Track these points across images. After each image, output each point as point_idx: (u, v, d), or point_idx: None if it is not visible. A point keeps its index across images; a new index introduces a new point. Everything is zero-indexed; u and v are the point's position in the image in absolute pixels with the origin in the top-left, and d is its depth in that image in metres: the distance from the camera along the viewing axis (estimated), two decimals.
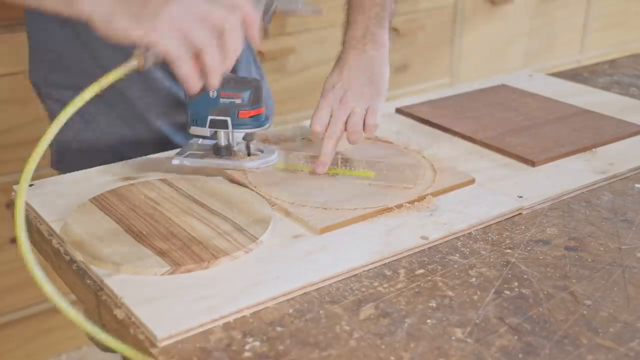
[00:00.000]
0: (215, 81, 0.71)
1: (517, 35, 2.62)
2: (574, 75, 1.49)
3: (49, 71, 1.15)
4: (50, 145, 1.19)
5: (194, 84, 0.70)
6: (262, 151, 1.01)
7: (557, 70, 1.55)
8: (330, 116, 0.99)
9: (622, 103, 1.30)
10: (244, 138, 0.98)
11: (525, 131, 1.13)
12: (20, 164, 1.88)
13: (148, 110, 1.14)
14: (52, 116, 1.19)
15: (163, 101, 1.14)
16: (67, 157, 1.18)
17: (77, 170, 1.00)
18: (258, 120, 0.96)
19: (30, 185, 0.94)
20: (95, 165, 1.01)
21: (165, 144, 1.14)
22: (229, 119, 0.95)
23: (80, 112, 1.04)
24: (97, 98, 0.74)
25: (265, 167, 0.98)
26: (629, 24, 2.99)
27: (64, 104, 0.73)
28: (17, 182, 0.97)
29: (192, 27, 0.68)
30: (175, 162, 0.98)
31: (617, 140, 1.12)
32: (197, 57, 0.69)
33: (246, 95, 0.93)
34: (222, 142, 0.98)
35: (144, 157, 1.04)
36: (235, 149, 0.99)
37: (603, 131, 1.14)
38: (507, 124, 1.16)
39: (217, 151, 0.99)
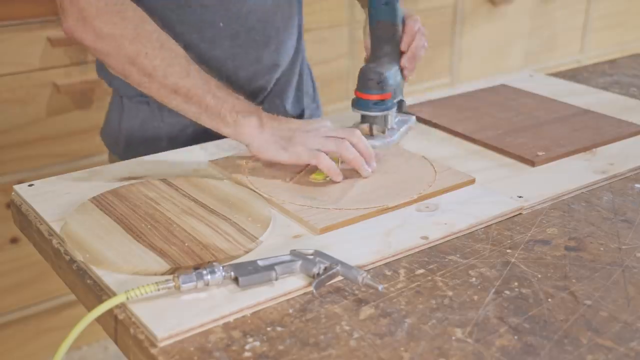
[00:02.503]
0: (365, 170, 0.95)
1: (517, 35, 2.62)
2: (574, 75, 1.49)
3: None
4: (113, 133, 1.22)
5: (335, 175, 0.94)
6: (383, 132, 1.08)
7: (557, 70, 1.55)
8: None
9: (622, 103, 1.30)
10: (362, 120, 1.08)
11: (525, 131, 1.13)
12: (20, 164, 1.89)
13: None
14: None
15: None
16: (133, 145, 1.19)
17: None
18: (382, 105, 1.04)
19: (30, 185, 0.94)
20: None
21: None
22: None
23: (147, 101, 1.13)
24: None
25: (384, 144, 1.05)
26: (629, 24, 2.99)
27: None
28: (17, 182, 0.98)
29: (322, 143, 0.94)
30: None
31: (617, 140, 1.12)
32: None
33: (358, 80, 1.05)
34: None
35: (144, 157, 1.04)
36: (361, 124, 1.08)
37: (603, 131, 1.14)
38: (507, 124, 1.16)
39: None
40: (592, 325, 0.69)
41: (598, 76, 1.48)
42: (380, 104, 1.04)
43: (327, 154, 0.93)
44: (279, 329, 0.67)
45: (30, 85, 1.71)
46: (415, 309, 0.70)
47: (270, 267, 0.72)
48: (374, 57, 1.07)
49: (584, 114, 1.22)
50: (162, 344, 0.65)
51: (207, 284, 0.70)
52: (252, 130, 0.94)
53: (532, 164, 1.02)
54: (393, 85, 1.05)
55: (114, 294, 0.71)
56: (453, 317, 0.69)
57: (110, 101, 1.25)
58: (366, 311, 0.70)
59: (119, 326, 0.69)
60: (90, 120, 1.83)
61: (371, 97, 1.04)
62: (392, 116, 1.08)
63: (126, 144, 1.19)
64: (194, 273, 0.70)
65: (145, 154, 1.06)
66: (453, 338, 0.66)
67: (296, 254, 0.75)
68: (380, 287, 0.72)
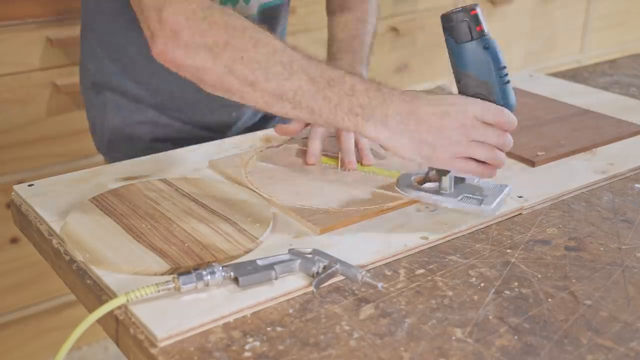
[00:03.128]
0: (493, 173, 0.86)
1: (517, 35, 2.62)
2: (574, 75, 1.49)
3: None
4: (99, 132, 1.22)
5: (487, 173, 0.85)
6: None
7: (557, 70, 1.55)
8: None
9: (622, 103, 1.30)
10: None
11: (525, 131, 1.13)
12: (20, 164, 1.88)
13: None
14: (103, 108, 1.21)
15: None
16: (116, 144, 1.20)
17: (126, 157, 1.03)
18: None
19: (30, 185, 0.94)
20: (145, 153, 1.05)
21: (207, 139, 1.12)
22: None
23: (130, 97, 1.12)
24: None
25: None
26: (629, 24, 2.99)
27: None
28: (17, 182, 0.98)
29: (465, 150, 0.82)
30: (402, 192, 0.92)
31: (617, 140, 1.12)
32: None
33: None
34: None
35: (144, 157, 1.04)
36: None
37: (603, 131, 1.14)
38: None
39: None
40: (592, 325, 0.69)
41: (598, 76, 1.48)
42: None
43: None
44: (279, 329, 0.67)
45: (30, 85, 1.71)
46: (415, 309, 0.70)
47: (270, 267, 0.73)
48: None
49: (584, 114, 1.22)
50: (162, 344, 0.65)
51: (207, 285, 0.70)
52: (378, 134, 0.82)
53: (532, 164, 1.02)
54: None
55: (114, 294, 0.71)
56: (453, 317, 0.69)
57: (89, 103, 1.25)
58: (366, 311, 0.70)
59: (119, 326, 0.69)
60: None
61: None
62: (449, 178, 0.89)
63: (109, 142, 1.20)
64: (193, 274, 0.70)
65: (129, 152, 1.06)
66: (453, 338, 0.66)
67: (295, 253, 0.75)
68: (379, 285, 0.72)
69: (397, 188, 0.92)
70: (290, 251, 0.76)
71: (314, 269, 0.73)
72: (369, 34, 1.16)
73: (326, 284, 0.74)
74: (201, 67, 0.83)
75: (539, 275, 0.77)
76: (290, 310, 0.70)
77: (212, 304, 0.69)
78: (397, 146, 0.82)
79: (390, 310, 0.70)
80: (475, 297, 0.72)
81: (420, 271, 0.77)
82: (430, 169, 0.91)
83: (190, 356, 0.63)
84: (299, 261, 0.74)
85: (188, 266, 0.74)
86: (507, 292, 0.74)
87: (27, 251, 1.74)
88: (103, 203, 0.87)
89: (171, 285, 0.69)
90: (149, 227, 0.82)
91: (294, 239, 0.82)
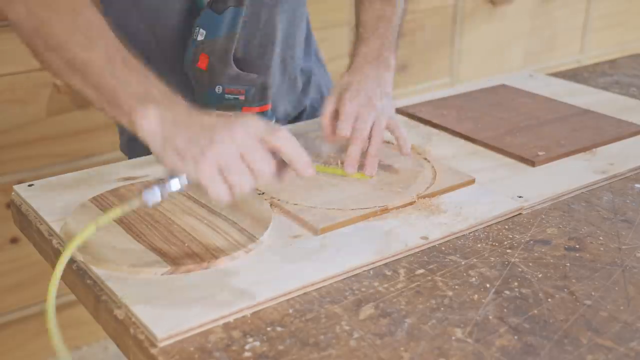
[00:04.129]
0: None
1: (517, 35, 2.62)
2: (574, 75, 1.49)
3: None
4: (120, 132, 1.22)
5: (224, 199, 0.72)
6: None
7: (557, 70, 1.55)
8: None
9: (622, 103, 1.30)
10: None
11: (525, 131, 1.13)
12: (20, 164, 1.88)
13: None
14: None
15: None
16: (133, 143, 1.18)
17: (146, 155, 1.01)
18: (263, 118, 0.96)
19: (30, 185, 0.94)
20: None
21: None
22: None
23: None
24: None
25: None
26: (629, 24, 2.99)
27: None
28: (17, 182, 0.98)
29: (230, 169, 0.71)
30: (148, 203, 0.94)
31: (617, 140, 1.12)
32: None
33: (250, 92, 0.93)
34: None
35: (144, 157, 1.04)
36: None
37: (603, 131, 1.14)
38: (507, 124, 1.16)
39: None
40: (592, 325, 0.69)
41: (598, 76, 1.48)
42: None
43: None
44: (279, 329, 0.67)
45: (30, 85, 1.71)
46: (415, 309, 0.70)
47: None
48: None
49: (584, 114, 1.22)
50: (162, 344, 0.65)
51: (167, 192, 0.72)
52: (150, 126, 0.73)
53: (532, 164, 1.02)
54: None
55: (114, 294, 0.71)
56: (453, 317, 0.69)
57: None
58: (366, 311, 0.70)
59: (119, 326, 0.69)
60: (90, 120, 1.82)
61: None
62: None
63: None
64: (154, 185, 0.71)
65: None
66: (453, 338, 0.66)
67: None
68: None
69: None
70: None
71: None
72: (396, 15, 1.12)
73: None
74: (14, 20, 0.81)
75: (539, 275, 0.77)
76: (290, 310, 0.70)
77: (212, 304, 0.69)
78: (161, 142, 0.73)
79: (390, 310, 0.70)
80: (475, 297, 0.72)
81: (420, 271, 0.77)
82: None
83: (190, 356, 0.63)
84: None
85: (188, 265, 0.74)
86: (507, 292, 0.74)
87: (27, 251, 1.74)
88: (103, 203, 0.87)
89: (136, 203, 0.71)
90: (149, 227, 0.82)
91: (294, 238, 0.82)
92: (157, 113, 0.73)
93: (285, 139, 0.72)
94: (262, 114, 0.95)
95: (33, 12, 0.79)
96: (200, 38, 0.95)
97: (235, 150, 0.71)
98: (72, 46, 0.77)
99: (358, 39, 1.09)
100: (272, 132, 0.72)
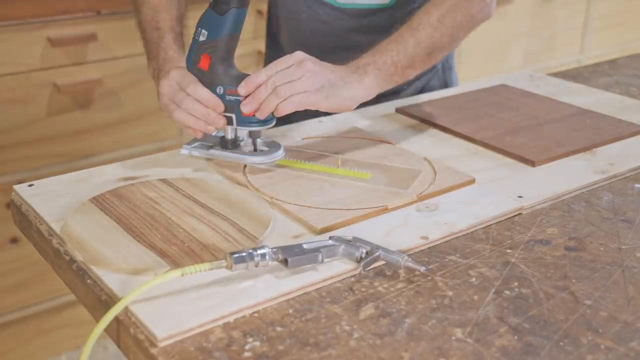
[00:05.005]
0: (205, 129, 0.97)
1: (517, 35, 2.62)
2: (574, 75, 1.49)
3: None
4: None
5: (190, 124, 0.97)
6: (268, 147, 1.02)
7: (557, 70, 1.55)
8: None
9: (622, 103, 1.30)
10: (250, 135, 1.00)
11: (525, 131, 1.13)
12: (20, 164, 1.88)
13: None
14: None
15: None
16: None
17: None
18: (265, 120, 0.97)
19: (30, 185, 0.94)
20: None
21: None
22: (233, 116, 0.96)
23: None
24: None
25: (269, 163, 0.99)
26: (629, 24, 2.99)
27: None
28: (17, 182, 0.98)
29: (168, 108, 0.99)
30: (184, 152, 1.01)
31: (617, 140, 1.12)
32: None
33: None
34: (229, 135, 1.00)
35: (144, 157, 1.04)
36: (242, 143, 1.01)
37: (603, 131, 1.14)
38: (507, 124, 1.16)
39: (224, 144, 1.01)
40: (592, 325, 0.69)
41: (598, 76, 1.48)
42: (269, 116, 0.97)
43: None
44: (279, 329, 0.67)
45: (30, 85, 1.71)
46: (415, 309, 0.70)
47: (316, 250, 0.74)
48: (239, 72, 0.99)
49: (584, 114, 1.22)
50: (162, 344, 0.65)
51: (256, 265, 0.72)
52: (159, 85, 1.00)
53: (532, 164, 1.02)
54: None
55: (114, 294, 0.71)
56: (453, 317, 0.69)
57: None
58: (366, 311, 0.70)
59: (119, 326, 0.69)
60: (90, 120, 1.83)
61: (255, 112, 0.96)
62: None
63: None
64: (245, 253, 0.71)
65: None
66: (453, 338, 0.66)
67: (337, 239, 0.77)
68: (422, 269, 0.74)
69: (232, 158, 1.00)
70: (332, 237, 0.78)
71: (358, 254, 0.76)
72: (416, 41, 1.04)
73: (371, 267, 0.76)
74: None
75: (539, 275, 0.77)
76: (290, 310, 0.70)
77: (212, 304, 0.69)
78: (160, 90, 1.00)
79: (390, 310, 0.70)
80: (475, 297, 0.72)
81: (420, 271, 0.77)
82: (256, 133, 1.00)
83: (190, 356, 0.63)
84: (342, 246, 0.76)
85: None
86: (507, 292, 0.74)
87: (27, 251, 1.74)
88: (103, 203, 0.87)
89: (224, 264, 0.70)
90: (149, 227, 0.82)
91: (294, 238, 0.82)
92: (156, 68, 1.04)
93: (195, 91, 0.96)
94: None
95: None
96: (202, 39, 0.96)
97: (176, 98, 0.97)
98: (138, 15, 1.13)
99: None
100: (187, 84, 0.97)
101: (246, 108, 0.94)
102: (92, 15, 1.75)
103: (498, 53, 2.58)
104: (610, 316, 0.70)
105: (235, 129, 0.99)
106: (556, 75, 1.49)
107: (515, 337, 0.67)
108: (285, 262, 0.73)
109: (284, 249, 0.74)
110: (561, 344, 0.66)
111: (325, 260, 0.75)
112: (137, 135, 1.91)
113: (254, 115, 0.95)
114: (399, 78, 1.03)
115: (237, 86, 0.94)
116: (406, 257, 0.75)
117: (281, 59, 0.95)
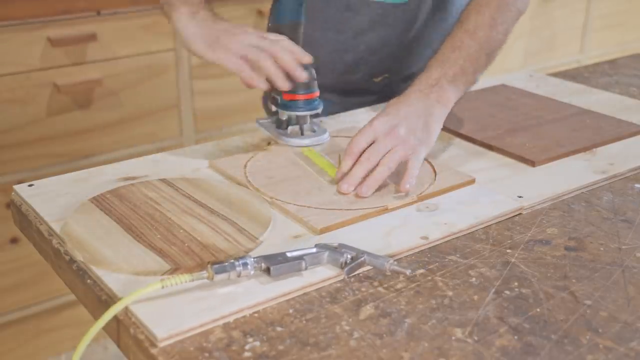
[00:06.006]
0: (281, 83, 0.97)
1: (517, 35, 2.62)
2: (574, 75, 1.49)
3: None
4: None
5: (255, 84, 0.96)
6: (314, 131, 1.07)
7: (557, 70, 1.55)
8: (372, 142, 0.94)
9: (622, 103, 1.30)
10: (297, 120, 1.06)
11: (525, 131, 1.13)
12: (20, 164, 1.88)
13: None
14: None
15: None
16: None
17: None
18: (310, 104, 1.04)
19: (30, 185, 0.94)
20: None
21: None
22: (278, 98, 1.05)
23: None
24: None
25: (315, 145, 1.05)
26: (629, 24, 2.99)
27: None
28: (17, 182, 0.98)
29: (250, 52, 0.96)
30: (257, 125, 1.12)
31: (617, 140, 1.12)
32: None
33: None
34: (282, 116, 1.08)
35: (144, 157, 1.04)
36: (291, 127, 1.07)
37: (603, 131, 1.14)
38: (507, 124, 1.16)
39: (279, 124, 1.08)
40: (592, 325, 0.69)
41: (598, 76, 1.48)
42: (309, 103, 1.04)
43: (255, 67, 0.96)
44: (279, 329, 0.67)
45: (30, 85, 1.71)
46: (415, 309, 0.70)
47: (300, 258, 0.74)
48: None
49: (584, 114, 1.22)
50: (162, 344, 0.65)
51: (239, 275, 0.71)
52: (182, 20, 0.99)
53: (532, 164, 1.02)
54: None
55: (114, 294, 0.71)
56: (453, 317, 0.69)
57: None
58: (366, 311, 0.70)
59: (119, 326, 0.69)
60: (90, 120, 1.83)
61: (300, 97, 1.04)
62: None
63: None
64: (227, 264, 0.71)
65: None
66: (453, 338, 0.66)
67: (322, 246, 0.77)
68: (408, 272, 0.74)
69: (285, 142, 1.06)
70: (317, 245, 0.77)
71: (342, 260, 0.75)
72: (480, 45, 1.05)
73: (355, 273, 0.76)
74: None
75: (539, 275, 0.77)
76: (290, 310, 0.70)
77: (212, 304, 0.69)
78: (190, 35, 0.99)
79: (390, 310, 0.70)
80: (475, 297, 0.72)
81: (420, 271, 0.77)
82: (304, 118, 1.06)
83: (190, 356, 0.63)
84: (327, 253, 0.76)
85: (189, 264, 0.74)
86: (507, 292, 0.74)
87: (27, 251, 1.74)
88: (103, 203, 0.87)
89: (205, 275, 0.70)
90: (149, 227, 0.82)
91: (294, 239, 0.82)
92: (189, 12, 1.00)
93: (284, 47, 0.97)
94: (309, 101, 1.04)
95: None
96: (269, 23, 1.05)
97: (254, 41, 0.97)
98: None
99: (426, 66, 1.05)
100: (275, 40, 0.98)
101: (344, 187, 0.91)
102: (92, 15, 1.75)
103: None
104: (610, 316, 0.70)
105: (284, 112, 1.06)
106: (556, 75, 1.49)
107: (515, 337, 0.67)
108: (267, 270, 0.73)
109: (266, 257, 0.73)
110: (561, 344, 0.66)
111: (310, 267, 0.75)
112: (137, 135, 1.92)
113: (301, 101, 1.03)
114: (469, 85, 1.06)
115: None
116: (391, 261, 0.74)
117: (366, 130, 0.93)
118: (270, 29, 1.07)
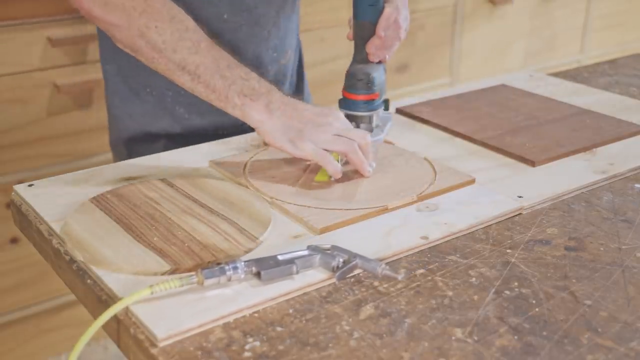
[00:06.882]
0: (368, 172, 0.95)
1: (517, 35, 2.62)
2: (574, 75, 1.49)
3: None
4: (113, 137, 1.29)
5: (337, 175, 0.93)
6: (372, 130, 1.06)
7: (557, 70, 1.55)
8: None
9: (622, 103, 1.30)
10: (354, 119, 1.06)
11: (525, 131, 1.13)
12: (20, 164, 1.88)
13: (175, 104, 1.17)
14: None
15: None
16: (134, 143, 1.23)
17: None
18: (370, 105, 1.04)
19: (30, 185, 0.94)
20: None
21: (201, 137, 1.15)
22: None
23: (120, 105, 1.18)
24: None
25: (373, 142, 1.02)
26: (629, 24, 2.99)
27: None
28: (17, 182, 0.98)
29: (332, 143, 0.91)
30: None
31: (617, 140, 1.12)
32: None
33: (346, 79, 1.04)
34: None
35: (144, 157, 1.04)
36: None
37: (603, 131, 1.14)
38: (507, 124, 1.16)
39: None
40: (592, 325, 0.69)
41: (598, 76, 1.48)
42: (368, 103, 1.04)
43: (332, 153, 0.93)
44: (279, 329, 0.67)
45: (30, 85, 1.71)
46: (415, 309, 0.70)
47: (291, 261, 0.74)
48: (359, 56, 1.06)
49: (584, 114, 1.22)
50: (162, 344, 0.65)
51: (229, 279, 0.71)
52: (259, 116, 0.92)
53: (532, 164, 1.02)
54: (379, 85, 1.06)
55: (114, 294, 0.71)
56: (453, 317, 0.69)
57: (110, 100, 1.24)
58: (366, 311, 0.70)
59: (120, 326, 0.69)
60: (90, 120, 1.83)
61: (359, 97, 1.04)
62: (378, 115, 1.07)
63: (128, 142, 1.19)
64: (217, 268, 0.71)
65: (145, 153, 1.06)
66: (453, 338, 0.66)
67: (314, 249, 0.76)
68: (399, 277, 0.74)
69: None
70: (309, 247, 0.77)
71: (334, 263, 0.75)
72: None
73: (347, 276, 0.75)
74: (116, 24, 0.93)
75: (539, 275, 0.77)
76: (290, 310, 0.70)
77: (212, 304, 0.69)
78: (270, 129, 0.92)
79: (390, 310, 0.70)
80: (475, 297, 0.72)
81: (420, 271, 0.77)
82: (362, 118, 1.05)
83: (190, 356, 0.63)
84: (318, 256, 0.76)
85: (189, 265, 0.74)
86: (507, 292, 0.74)
87: (27, 251, 1.74)
88: (103, 203, 0.87)
89: (194, 280, 0.70)
90: (149, 227, 0.82)
91: (294, 239, 0.82)
92: (266, 107, 0.92)
93: (367, 140, 0.94)
94: (369, 102, 1.05)
95: (134, 19, 0.92)
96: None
97: (329, 131, 0.92)
98: (181, 50, 0.92)
99: None
100: (359, 132, 0.94)
101: (382, 54, 1.04)
102: None
103: (498, 53, 2.58)
104: (610, 316, 0.70)
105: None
106: (556, 75, 1.49)
107: (515, 337, 0.67)
108: (258, 274, 0.72)
109: (257, 261, 0.73)
110: (561, 344, 0.66)
111: (301, 270, 0.74)
112: None
113: (360, 101, 1.03)
114: None
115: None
116: (383, 265, 0.74)
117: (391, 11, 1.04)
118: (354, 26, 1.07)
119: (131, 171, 0.99)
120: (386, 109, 1.10)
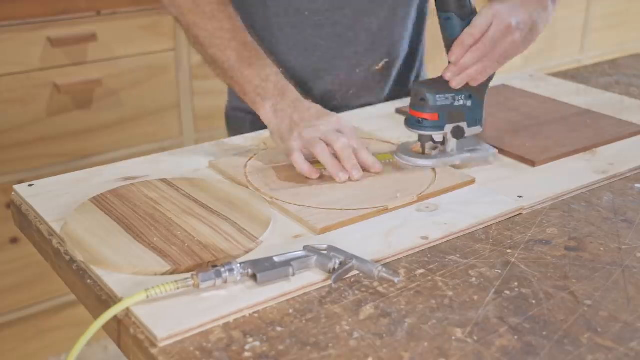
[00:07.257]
0: (337, 177, 0.94)
1: None
2: (574, 75, 1.49)
3: None
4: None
5: (309, 174, 0.95)
6: (435, 149, 1.02)
7: (557, 70, 1.55)
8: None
9: (622, 103, 1.30)
10: (419, 138, 1.02)
11: (525, 131, 1.13)
12: (20, 164, 1.89)
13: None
14: None
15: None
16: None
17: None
18: (430, 124, 0.99)
19: (30, 185, 0.94)
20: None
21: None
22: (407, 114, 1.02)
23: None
24: None
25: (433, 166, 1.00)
26: (629, 24, 2.99)
27: None
28: (17, 182, 0.98)
29: (309, 143, 0.94)
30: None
31: (617, 140, 1.12)
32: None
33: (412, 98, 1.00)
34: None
35: (144, 157, 1.04)
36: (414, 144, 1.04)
37: (603, 131, 1.14)
38: (507, 124, 1.16)
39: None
40: (592, 325, 0.69)
41: (598, 76, 1.48)
42: (423, 122, 0.99)
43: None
44: (279, 329, 0.67)
45: (30, 85, 1.71)
46: (415, 309, 0.70)
47: (287, 263, 0.73)
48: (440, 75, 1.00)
49: (584, 114, 1.22)
50: (162, 344, 0.65)
51: (225, 282, 0.71)
52: (267, 115, 1.00)
53: (532, 164, 1.02)
54: (440, 106, 0.98)
55: (114, 294, 0.71)
56: (453, 317, 0.69)
57: None
58: (366, 311, 0.70)
59: (120, 326, 0.69)
60: (90, 120, 1.83)
61: (415, 114, 1.00)
62: (449, 139, 1.00)
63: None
64: (212, 271, 0.70)
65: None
66: (453, 338, 0.66)
67: (311, 250, 0.76)
68: (396, 280, 0.73)
69: (399, 158, 1.01)
70: (306, 248, 0.76)
71: (331, 265, 0.75)
72: None
73: (343, 278, 0.75)
74: (176, 15, 1.08)
75: (539, 275, 0.77)
76: (290, 310, 0.70)
77: (212, 304, 0.69)
78: (272, 129, 1.00)
79: (390, 310, 0.70)
80: (475, 297, 0.72)
81: (420, 271, 0.77)
82: (421, 137, 1.01)
83: (190, 356, 0.63)
84: (315, 257, 0.75)
85: (189, 266, 0.74)
86: (507, 292, 0.74)
87: (27, 251, 1.74)
88: (103, 203, 0.87)
89: (190, 283, 0.70)
90: (148, 227, 0.82)
91: (294, 239, 0.82)
92: (273, 107, 1.00)
93: (344, 144, 0.94)
94: (429, 121, 1.00)
95: (183, 15, 1.07)
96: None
97: (315, 133, 0.95)
98: (212, 47, 1.04)
99: None
100: (343, 135, 0.96)
101: (455, 82, 0.96)
102: (92, 15, 1.75)
103: None
104: (610, 316, 0.70)
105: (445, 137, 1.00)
106: (556, 75, 1.49)
107: (515, 337, 0.67)
108: (254, 277, 0.72)
109: (253, 263, 0.73)
110: (561, 344, 0.66)
111: (297, 272, 0.74)
112: (137, 135, 1.92)
113: (424, 120, 0.99)
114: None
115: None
116: (380, 267, 0.74)
117: (476, 23, 0.96)
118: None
119: (131, 171, 0.99)
120: (457, 137, 1.00)
